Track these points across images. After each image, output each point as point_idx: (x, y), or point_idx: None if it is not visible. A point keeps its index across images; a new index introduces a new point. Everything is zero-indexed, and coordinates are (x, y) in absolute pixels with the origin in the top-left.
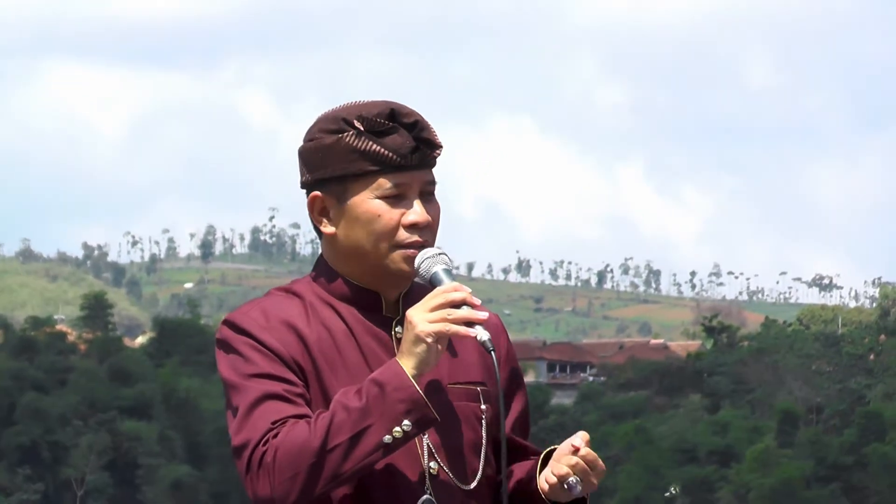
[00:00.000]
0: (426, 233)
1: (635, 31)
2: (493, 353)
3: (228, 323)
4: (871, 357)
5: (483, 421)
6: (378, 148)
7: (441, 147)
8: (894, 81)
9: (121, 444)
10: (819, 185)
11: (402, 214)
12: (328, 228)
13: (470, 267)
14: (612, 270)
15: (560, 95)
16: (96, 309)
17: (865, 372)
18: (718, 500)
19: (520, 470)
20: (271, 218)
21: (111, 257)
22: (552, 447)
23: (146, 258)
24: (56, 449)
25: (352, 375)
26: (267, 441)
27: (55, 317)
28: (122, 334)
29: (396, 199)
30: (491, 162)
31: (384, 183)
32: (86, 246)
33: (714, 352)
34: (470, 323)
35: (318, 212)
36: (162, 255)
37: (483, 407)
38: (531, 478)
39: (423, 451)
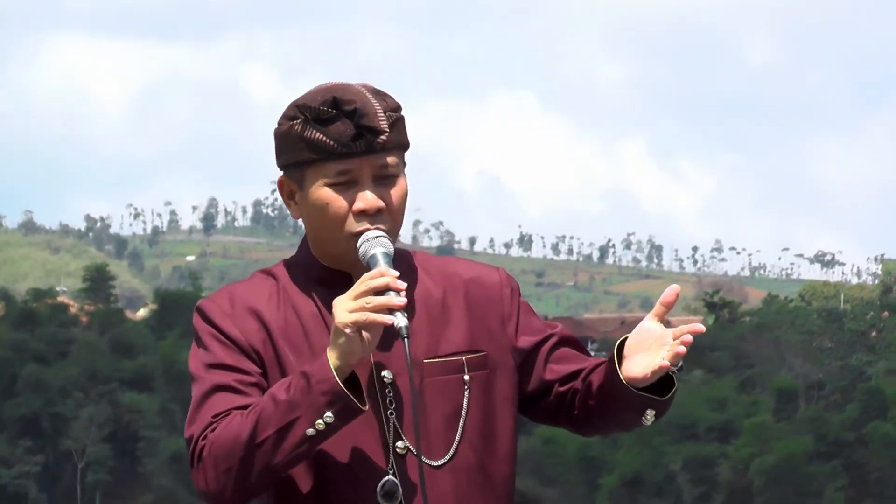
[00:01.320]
0: (380, 218)
1: (636, 7)
2: (406, 339)
3: (198, 309)
4: (873, 334)
5: (467, 391)
6: (321, 136)
7: (385, 132)
8: (895, 58)
9: (121, 417)
10: (821, 162)
11: (353, 201)
12: (295, 212)
13: (472, 241)
14: (613, 245)
15: (561, 72)
16: (98, 281)
17: (867, 348)
18: (718, 476)
19: (595, 378)
20: (273, 191)
21: (113, 229)
22: (624, 338)
23: (148, 230)
24: (57, 421)
25: (316, 358)
26: (206, 436)
27: (57, 288)
28: (124, 306)
29: (347, 185)
30: (493, 137)
31: (330, 171)
32: (88, 218)
33: (715, 327)
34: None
35: (286, 195)
36: (164, 228)
37: (467, 377)
38: (607, 378)
39: (389, 431)
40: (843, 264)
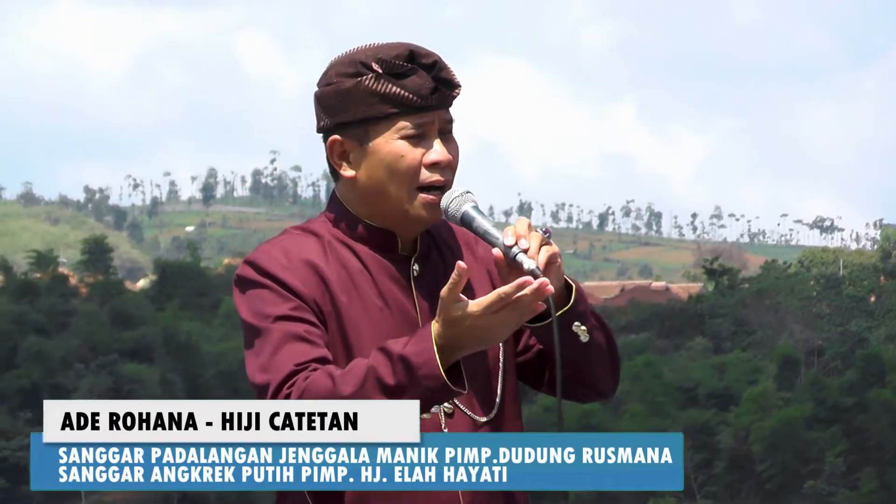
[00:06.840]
0: (447, 171)
1: None
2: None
3: (250, 263)
4: (872, 299)
5: (501, 345)
6: (398, 90)
7: (460, 86)
8: (885, 16)
9: (122, 387)
10: (816, 124)
11: (424, 154)
12: (348, 172)
13: None
14: (613, 213)
15: (550, 36)
16: (97, 252)
17: (866, 314)
18: (719, 443)
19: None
20: (273, 161)
21: (112, 200)
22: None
23: (147, 201)
24: (57, 392)
25: (369, 315)
26: (293, 383)
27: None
28: (124, 277)
29: (417, 139)
30: (485, 103)
31: (406, 124)
32: (87, 189)
33: (715, 294)
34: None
35: (337, 155)
36: (163, 199)
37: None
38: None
39: None
40: (842, 230)
